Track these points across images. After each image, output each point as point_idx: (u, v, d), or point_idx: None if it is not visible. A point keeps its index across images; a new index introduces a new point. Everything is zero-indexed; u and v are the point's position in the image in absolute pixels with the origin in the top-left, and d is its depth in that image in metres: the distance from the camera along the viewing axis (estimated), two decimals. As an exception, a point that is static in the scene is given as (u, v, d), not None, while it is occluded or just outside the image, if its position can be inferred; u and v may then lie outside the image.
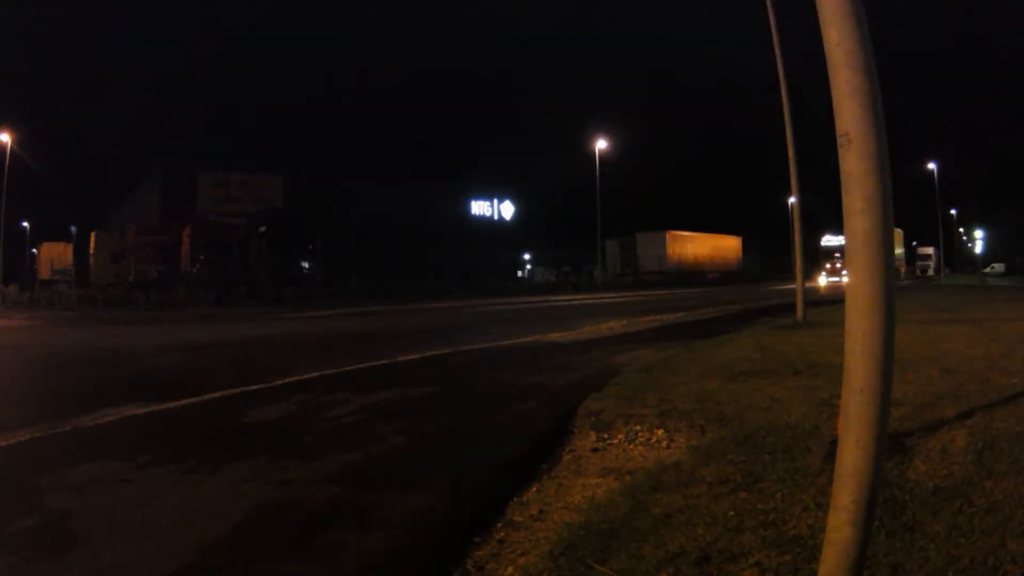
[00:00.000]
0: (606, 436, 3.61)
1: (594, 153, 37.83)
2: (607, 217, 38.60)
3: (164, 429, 4.09)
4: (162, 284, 25.71)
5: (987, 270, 64.18)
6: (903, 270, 55.93)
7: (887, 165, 1.34)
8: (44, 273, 36.27)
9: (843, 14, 1.34)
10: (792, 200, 11.49)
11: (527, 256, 60.03)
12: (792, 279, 10.95)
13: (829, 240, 45.77)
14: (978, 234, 71.11)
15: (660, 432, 3.54)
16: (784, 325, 9.25)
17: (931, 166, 44.72)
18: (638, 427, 3.65)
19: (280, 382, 5.51)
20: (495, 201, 51.70)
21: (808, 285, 32.07)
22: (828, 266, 44.20)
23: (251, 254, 29.81)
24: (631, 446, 3.42)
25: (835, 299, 15.06)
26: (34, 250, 44.03)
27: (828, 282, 41.09)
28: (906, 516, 2.09)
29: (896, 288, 1.37)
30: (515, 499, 2.78)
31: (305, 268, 30.29)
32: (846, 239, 1.37)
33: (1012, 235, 72.19)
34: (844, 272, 45.65)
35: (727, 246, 51.53)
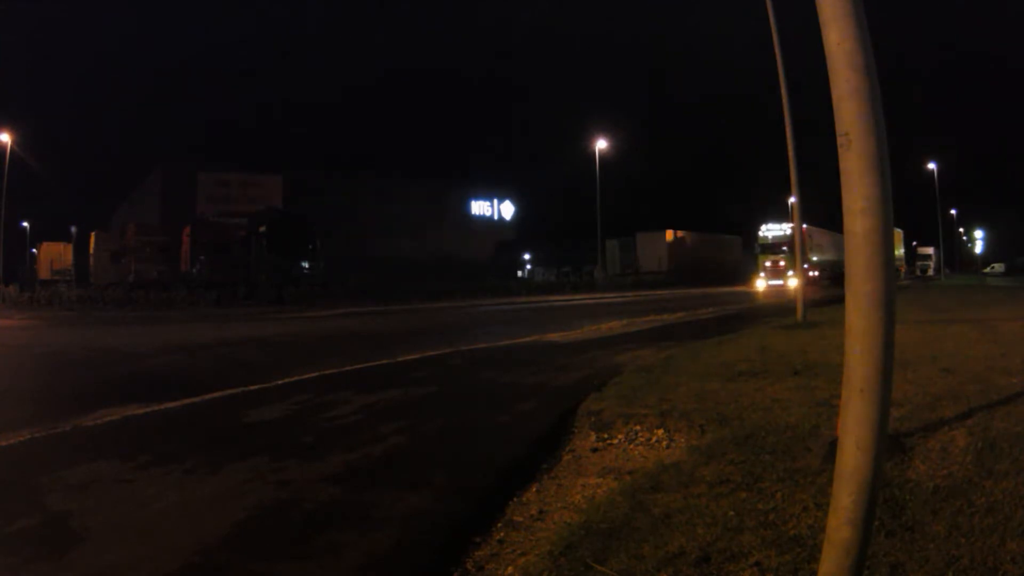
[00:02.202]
0: (606, 436, 3.61)
1: (594, 153, 37.83)
2: (607, 217, 38.68)
3: (164, 429, 4.09)
4: (162, 284, 25.70)
5: (987, 270, 64.24)
6: (903, 270, 55.64)
7: (887, 165, 1.34)
8: (44, 273, 36.28)
9: (843, 14, 1.34)
10: (792, 200, 11.49)
11: (527, 256, 60.05)
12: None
13: (770, 230, 36.78)
14: (978, 234, 71.22)
15: (660, 432, 3.54)
16: (784, 325, 9.26)
17: (931, 166, 44.57)
18: (638, 427, 3.65)
19: (280, 382, 5.51)
20: (495, 201, 51.73)
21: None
22: (768, 264, 35.44)
23: (251, 254, 29.79)
24: (631, 446, 3.42)
25: (827, 299, 15.02)
26: (34, 250, 44.04)
27: (769, 286, 33.03)
28: (906, 516, 2.09)
29: (896, 288, 1.37)
30: (515, 499, 2.78)
31: (305, 268, 30.27)
32: (846, 239, 1.36)
33: (1012, 235, 72.21)
34: (791, 273, 31.78)
35: (727, 246, 51.39)
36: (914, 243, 63.40)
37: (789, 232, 36.13)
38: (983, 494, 2.22)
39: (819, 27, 1.39)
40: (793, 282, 35.55)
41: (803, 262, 10.48)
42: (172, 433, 4.00)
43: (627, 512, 2.35)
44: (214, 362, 7.48)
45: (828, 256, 39.76)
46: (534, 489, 2.91)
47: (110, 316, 18.10)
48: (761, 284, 34.94)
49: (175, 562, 2.13)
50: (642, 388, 4.60)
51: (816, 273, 38.79)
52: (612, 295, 27.14)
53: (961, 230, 72.04)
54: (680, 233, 46.18)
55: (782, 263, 36.12)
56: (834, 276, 41.60)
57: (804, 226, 39.08)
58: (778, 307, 14.97)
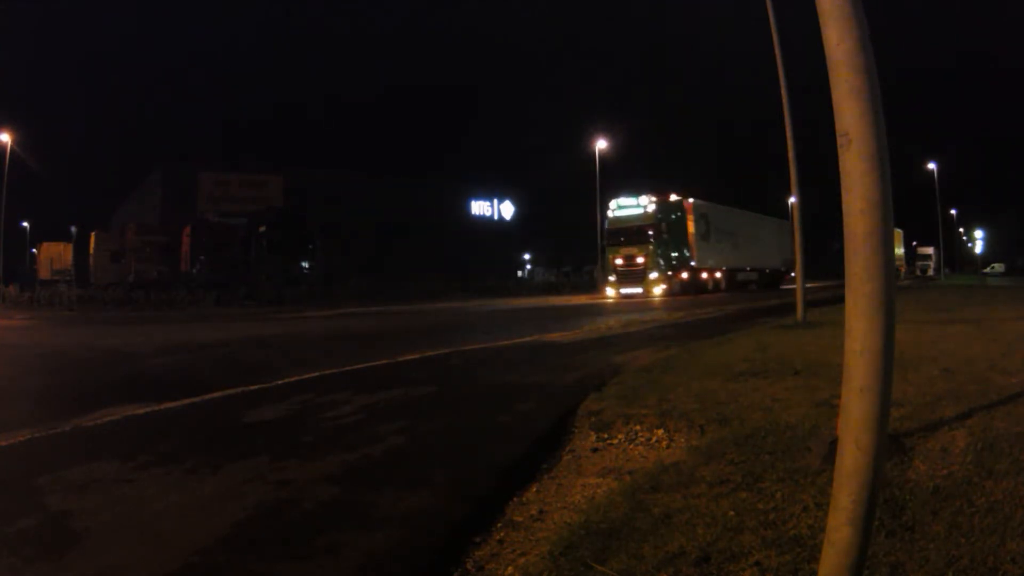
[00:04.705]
0: (606, 436, 3.61)
1: (594, 153, 37.82)
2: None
3: (164, 429, 4.09)
4: (162, 284, 25.76)
5: (987, 270, 64.36)
6: (903, 270, 55.42)
7: (887, 165, 1.33)
8: (44, 273, 36.30)
9: (843, 14, 1.34)
10: (792, 200, 11.49)
11: (527, 256, 60.04)
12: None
13: (622, 207, 25.05)
14: (978, 234, 71.36)
15: (660, 432, 3.54)
16: (784, 325, 9.25)
17: (931, 166, 44.56)
18: (638, 427, 3.65)
19: (280, 382, 5.51)
20: (495, 201, 51.76)
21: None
22: (620, 262, 24.37)
23: (251, 254, 29.84)
24: (631, 446, 3.42)
25: (829, 299, 15.02)
26: (34, 250, 44.06)
27: (620, 295, 23.94)
28: (906, 516, 2.09)
29: (896, 288, 1.37)
30: (515, 499, 2.78)
31: (305, 268, 30.29)
32: (846, 239, 1.36)
33: (1012, 235, 72.39)
34: (654, 275, 23.19)
35: None
36: (914, 243, 63.47)
37: (651, 209, 24.13)
38: (983, 494, 2.22)
39: (819, 27, 1.39)
40: (658, 289, 22.94)
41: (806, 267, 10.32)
42: (172, 433, 4.00)
43: (627, 512, 2.35)
44: (214, 362, 7.48)
45: (734, 248, 29.20)
46: (534, 489, 2.91)
47: (110, 316, 18.11)
48: (611, 292, 24.49)
49: (175, 562, 2.13)
50: (642, 388, 4.60)
51: (720, 274, 27.67)
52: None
53: (961, 230, 72.20)
54: None
55: (640, 259, 23.83)
56: (765, 276, 32.47)
57: (690, 200, 26.29)
58: (779, 307, 14.94)
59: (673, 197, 25.77)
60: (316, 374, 5.95)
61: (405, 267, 35.95)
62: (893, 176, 1.36)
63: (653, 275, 23.65)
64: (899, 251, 53.43)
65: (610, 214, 25.78)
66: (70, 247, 37.13)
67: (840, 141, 1.36)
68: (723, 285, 27.38)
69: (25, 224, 55.38)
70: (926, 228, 54.72)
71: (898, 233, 49.49)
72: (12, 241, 37.38)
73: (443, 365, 6.74)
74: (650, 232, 24.00)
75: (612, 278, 24.74)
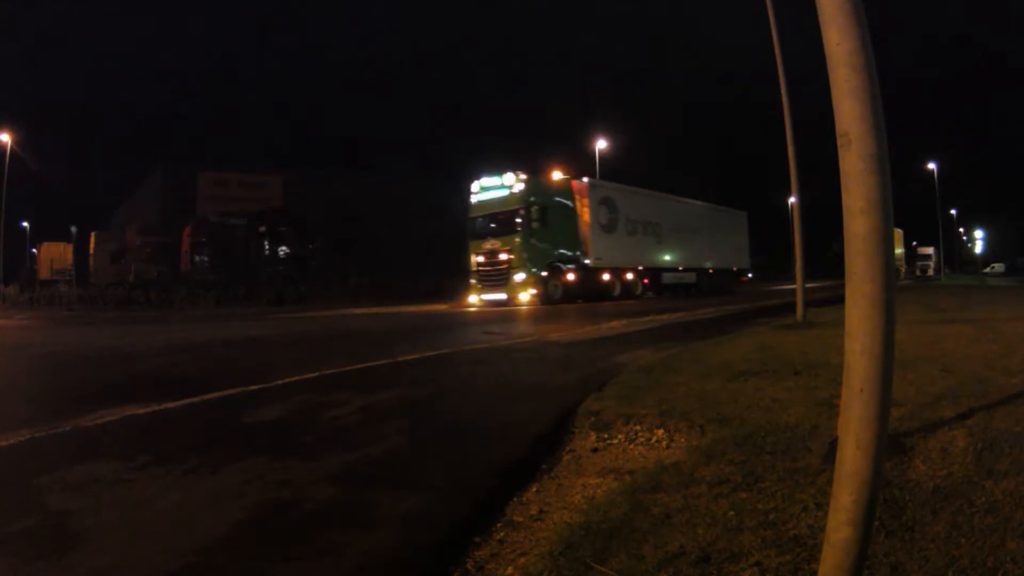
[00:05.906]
0: (606, 436, 3.61)
1: (594, 152, 37.80)
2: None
3: (164, 429, 4.08)
4: (162, 284, 25.80)
5: (987, 270, 64.44)
6: (903, 270, 55.40)
7: (887, 165, 1.34)
8: (44, 273, 36.37)
9: (843, 14, 1.34)
10: (792, 200, 11.47)
11: (527, 256, 59.94)
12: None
13: (486, 189, 19.62)
14: (978, 234, 71.48)
15: (660, 432, 3.54)
16: (784, 325, 9.25)
17: (931, 166, 44.59)
18: (638, 427, 3.65)
19: (280, 382, 5.50)
20: (495, 201, 51.64)
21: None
22: (482, 260, 19.46)
23: (251, 254, 29.87)
24: (631, 446, 3.42)
25: (829, 299, 14.99)
26: (34, 250, 44.10)
27: (483, 301, 19.51)
28: (906, 516, 2.09)
29: (896, 288, 1.37)
30: (515, 499, 2.78)
31: (305, 268, 30.32)
32: (846, 239, 1.36)
33: (1012, 235, 72.53)
34: (521, 277, 18.35)
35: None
36: (914, 243, 63.53)
37: (519, 190, 18.75)
38: (983, 494, 2.22)
39: (819, 27, 1.39)
40: (525, 295, 18.49)
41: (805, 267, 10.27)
42: (172, 433, 3.99)
43: (627, 512, 2.35)
44: (214, 362, 7.48)
45: (660, 243, 23.75)
46: (534, 489, 2.91)
47: (110, 316, 18.13)
48: (473, 298, 19.92)
49: (175, 562, 2.13)
50: (642, 388, 4.60)
51: (632, 275, 22.16)
52: (612, 295, 27.05)
53: (961, 230, 72.28)
54: None
55: (503, 256, 18.78)
56: (708, 278, 26.23)
57: (585, 180, 20.94)
58: (779, 307, 14.93)
59: (556, 175, 20.37)
60: (316, 374, 5.95)
61: (406, 266, 35.95)
62: (893, 176, 1.36)
63: (519, 276, 18.46)
64: (899, 251, 53.35)
65: (473, 198, 19.86)
66: (70, 247, 37.17)
67: (840, 141, 1.36)
68: (638, 289, 22.12)
69: (25, 224, 55.44)
70: (926, 228, 54.77)
71: (898, 233, 49.38)
72: (12, 241, 37.43)
73: (443, 365, 6.74)
74: (517, 220, 18.58)
75: (473, 280, 19.76)
